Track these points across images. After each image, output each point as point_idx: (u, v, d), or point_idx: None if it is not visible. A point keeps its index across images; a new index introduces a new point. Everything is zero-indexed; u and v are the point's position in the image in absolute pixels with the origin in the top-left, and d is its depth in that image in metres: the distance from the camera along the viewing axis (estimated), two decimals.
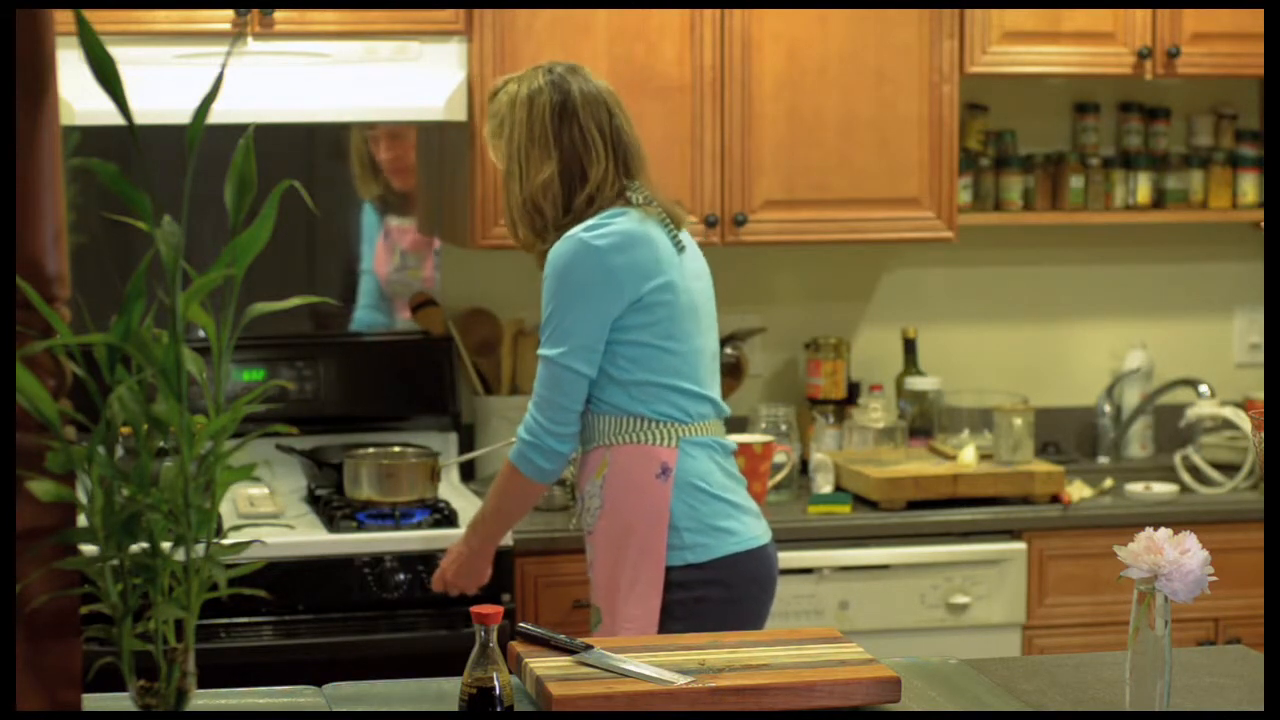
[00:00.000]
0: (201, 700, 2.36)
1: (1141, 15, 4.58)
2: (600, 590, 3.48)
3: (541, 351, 3.44)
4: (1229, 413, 4.68)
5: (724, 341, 4.57)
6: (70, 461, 1.92)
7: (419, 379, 4.55)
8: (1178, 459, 4.72)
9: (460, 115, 4.21)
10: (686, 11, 4.33)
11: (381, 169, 4.67)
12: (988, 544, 4.33)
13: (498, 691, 2.33)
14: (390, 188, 4.68)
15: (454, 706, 2.37)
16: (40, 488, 1.89)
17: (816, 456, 4.51)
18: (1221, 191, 4.86)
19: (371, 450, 4.22)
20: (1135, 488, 4.57)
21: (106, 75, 1.90)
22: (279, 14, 4.12)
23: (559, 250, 3.42)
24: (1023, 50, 4.55)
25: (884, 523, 4.31)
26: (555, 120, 3.49)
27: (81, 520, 1.96)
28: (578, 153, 3.49)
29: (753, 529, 3.48)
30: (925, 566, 4.29)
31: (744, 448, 3.95)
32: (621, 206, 3.47)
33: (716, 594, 3.42)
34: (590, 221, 3.42)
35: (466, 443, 4.60)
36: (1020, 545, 4.35)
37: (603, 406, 3.46)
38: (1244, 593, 4.26)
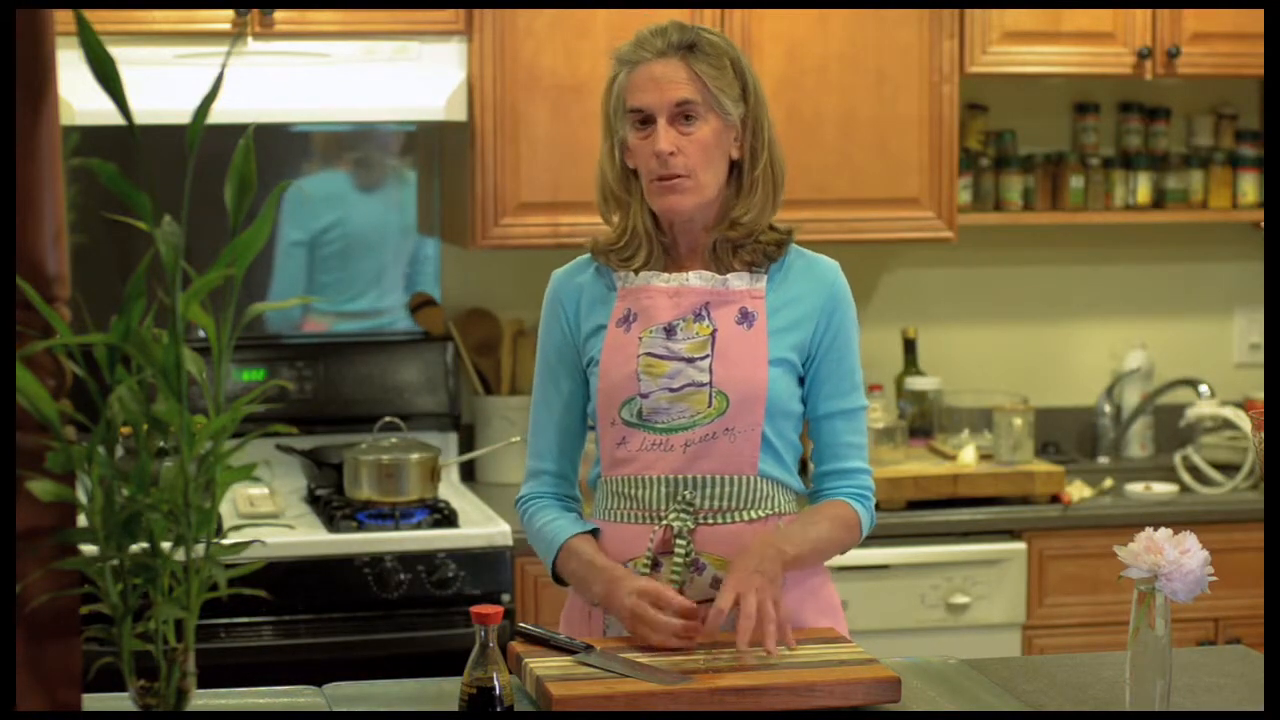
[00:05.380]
0: (201, 700, 2.36)
1: (1141, 15, 4.58)
2: None
3: (864, 402, 2.98)
4: (1229, 413, 4.67)
5: None
6: (70, 461, 1.92)
7: (419, 379, 4.54)
8: (1178, 459, 4.72)
9: (460, 115, 4.21)
10: (686, 11, 4.32)
11: None
12: (987, 544, 4.33)
13: (498, 691, 2.33)
14: None
15: (454, 706, 2.37)
16: (40, 488, 1.89)
17: None
18: (1221, 191, 4.86)
19: (371, 449, 4.22)
20: (1135, 488, 4.57)
21: (106, 75, 1.90)
22: (279, 14, 4.13)
23: (843, 280, 2.99)
24: (1023, 50, 4.55)
25: (884, 523, 4.28)
26: None
27: (81, 520, 1.96)
28: None
29: None
30: (925, 566, 4.29)
31: None
32: None
33: None
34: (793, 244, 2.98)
35: (466, 443, 4.60)
36: (1020, 545, 4.35)
37: (771, 471, 2.84)
38: (1244, 593, 4.26)
